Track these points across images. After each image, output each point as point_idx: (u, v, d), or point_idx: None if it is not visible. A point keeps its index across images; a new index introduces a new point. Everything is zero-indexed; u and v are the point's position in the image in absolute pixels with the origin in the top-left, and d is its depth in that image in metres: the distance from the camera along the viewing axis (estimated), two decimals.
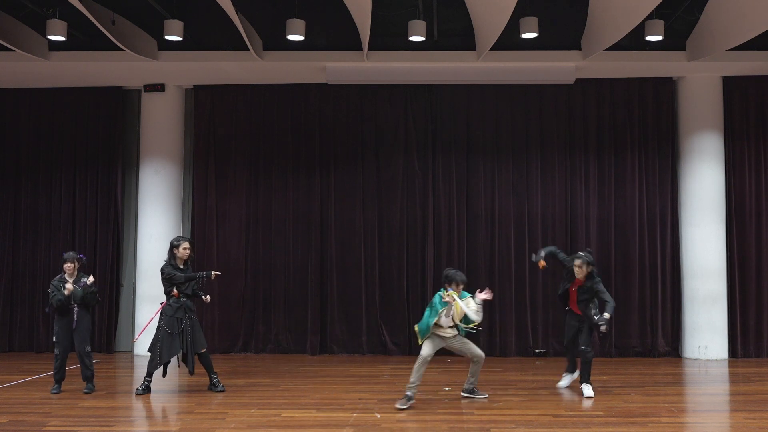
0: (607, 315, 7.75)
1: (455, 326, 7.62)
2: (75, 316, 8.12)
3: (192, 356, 8.13)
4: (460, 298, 7.48)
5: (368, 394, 8.02)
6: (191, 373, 8.26)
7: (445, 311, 7.44)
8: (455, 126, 11.30)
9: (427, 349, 7.52)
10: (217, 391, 8.18)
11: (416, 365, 7.44)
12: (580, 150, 11.18)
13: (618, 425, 6.71)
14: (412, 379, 7.41)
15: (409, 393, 7.40)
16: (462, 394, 7.91)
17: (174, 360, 8.40)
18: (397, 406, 7.33)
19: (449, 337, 7.57)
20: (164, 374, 8.36)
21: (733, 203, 10.95)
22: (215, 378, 8.29)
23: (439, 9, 9.73)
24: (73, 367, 8.67)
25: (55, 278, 8.27)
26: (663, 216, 11.04)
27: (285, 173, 11.38)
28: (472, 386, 7.88)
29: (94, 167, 11.53)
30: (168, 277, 8.17)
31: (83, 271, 8.40)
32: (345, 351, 11.12)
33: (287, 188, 11.37)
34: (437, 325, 7.53)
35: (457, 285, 7.47)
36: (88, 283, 8.15)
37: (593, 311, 7.91)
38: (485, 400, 7.76)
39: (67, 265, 8.20)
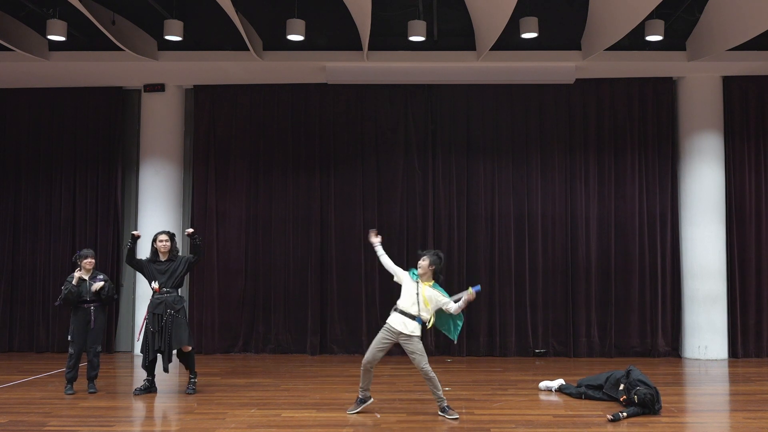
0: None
1: (416, 317, 6.91)
2: (92, 315, 8.12)
3: (168, 354, 8.01)
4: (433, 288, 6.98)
5: None
6: (165, 370, 8.13)
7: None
8: (455, 126, 11.30)
9: (368, 353, 7.05)
10: (186, 393, 8.08)
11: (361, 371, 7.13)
12: (580, 150, 11.18)
13: (618, 425, 6.71)
14: (361, 385, 7.20)
15: (360, 396, 7.20)
16: (438, 413, 7.13)
17: (174, 356, 8.33)
18: (348, 411, 7.18)
19: (399, 332, 6.94)
20: (165, 369, 8.28)
21: (733, 203, 10.94)
22: (192, 379, 8.22)
23: (439, 9, 9.73)
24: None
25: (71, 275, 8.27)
26: (663, 216, 11.04)
27: (285, 173, 11.38)
28: (441, 405, 7.06)
29: (94, 167, 11.53)
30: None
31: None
32: (345, 351, 11.12)
33: (287, 188, 11.37)
34: (400, 312, 6.96)
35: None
36: (96, 288, 8.13)
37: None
38: (456, 421, 6.89)
39: (87, 261, 8.19)
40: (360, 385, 7.22)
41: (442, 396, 7.07)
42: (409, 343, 6.96)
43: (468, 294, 6.91)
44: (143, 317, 8.25)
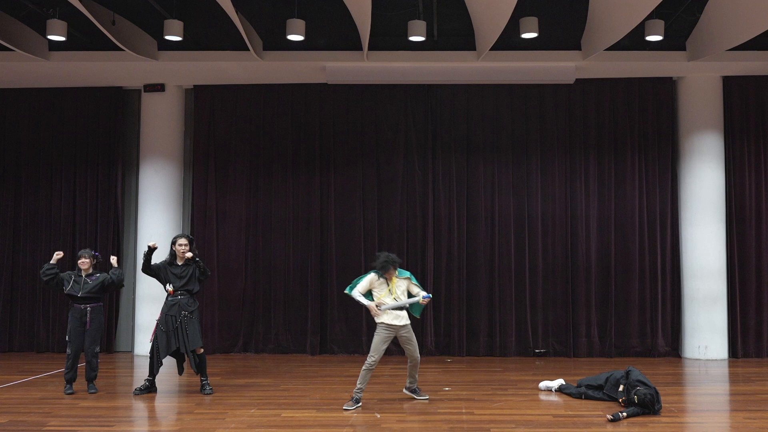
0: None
1: (403, 307, 7.48)
2: (88, 315, 8.12)
3: (188, 354, 8.01)
4: (398, 277, 7.57)
5: (368, 394, 8.00)
6: (180, 373, 8.14)
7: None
8: (455, 126, 11.30)
9: (375, 353, 7.36)
10: (205, 393, 8.10)
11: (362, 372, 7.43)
12: (580, 150, 11.18)
13: (618, 425, 6.71)
14: (360, 386, 7.44)
15: (356, 396, 7.41)
16: (404, 390, 7.87)
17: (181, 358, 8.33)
18: (344, 407, 7.34)
19: (400, 326, 7.44)
20: (180, 371, 8.31)
21: (733, 203, 10.94)
22: (204, 380, 8.21)
23: (439, 9, 9.73)
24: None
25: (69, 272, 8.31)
26: (663, 216, 11.04)
27: (285, 173, 11.38)
28: (412, 386, 7.80)
29: (94, 167, 11.53)
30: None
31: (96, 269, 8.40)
32: (345, 351, 11.12)
33: (287, 188, 11.37)
34: (387, 309, 7.42)
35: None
36: (114, 264, 8.36)
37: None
38: (426, 401, 7.69)
39: (80, 261, 8.20)
40: (359, 386, 7.39)
41: (416, 378, 7.78)
42: (406, 332, 7.52)
43: (422, 299, 7.59)
44: (155, 321, 8.24)
